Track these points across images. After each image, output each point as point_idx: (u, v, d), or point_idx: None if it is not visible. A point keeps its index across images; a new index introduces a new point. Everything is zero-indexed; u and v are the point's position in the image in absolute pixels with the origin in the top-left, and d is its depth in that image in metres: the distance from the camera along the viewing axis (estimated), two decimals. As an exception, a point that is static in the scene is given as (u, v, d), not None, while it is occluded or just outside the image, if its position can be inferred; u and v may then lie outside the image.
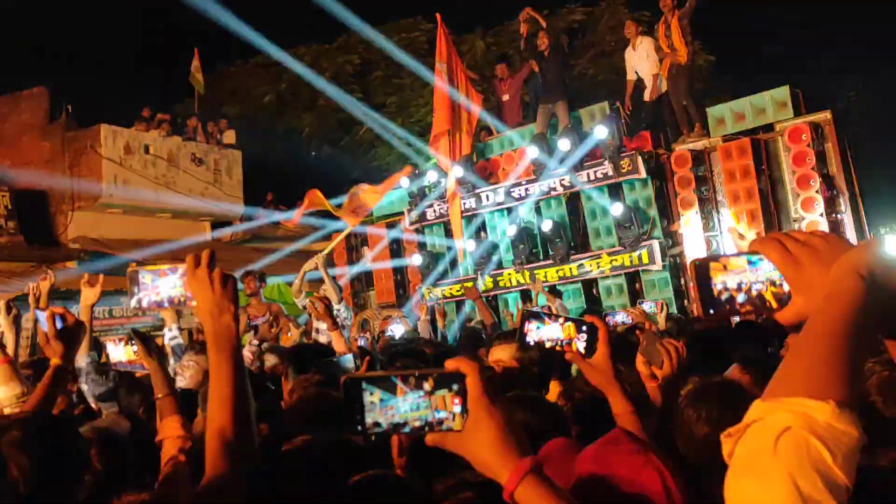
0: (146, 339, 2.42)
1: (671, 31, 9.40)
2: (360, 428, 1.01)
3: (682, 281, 9.70)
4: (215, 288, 1.54)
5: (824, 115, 8.97)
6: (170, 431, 2.29)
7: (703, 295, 1.10)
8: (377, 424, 1.01)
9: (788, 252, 1.01)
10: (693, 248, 9.47)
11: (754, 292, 1.08)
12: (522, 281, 10.64)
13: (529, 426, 1.90)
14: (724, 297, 1.09)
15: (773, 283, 1.07)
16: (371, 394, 1.01)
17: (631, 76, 10.15)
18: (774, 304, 1.07)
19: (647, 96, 10.09)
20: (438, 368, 1.03)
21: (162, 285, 1.67)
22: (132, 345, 2.62)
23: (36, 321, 3.30)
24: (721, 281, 1.09)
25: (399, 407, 1.00)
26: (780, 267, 1.02)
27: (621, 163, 9.71)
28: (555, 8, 13.05)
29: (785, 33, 11.05)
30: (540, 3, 13.08)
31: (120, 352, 2.71)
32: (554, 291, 9.07)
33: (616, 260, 9.83)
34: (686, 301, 9.60)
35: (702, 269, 1.10)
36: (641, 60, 9.93)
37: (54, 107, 14.19)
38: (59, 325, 2.43)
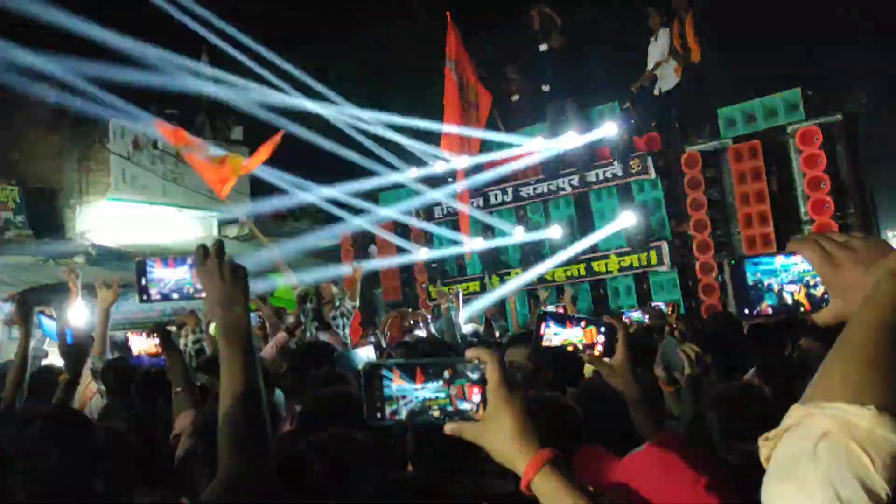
0: (167, 334, 2.44)
1: (686, 30, 9.35)
2: (379, 415, 1.01)
3: (690, 282, 9.67)
4: (225, 279, 1.50)
5: (835, 118, 8.92)
6: (186, 424, 2.30)
7: (739, 294, 1.08)
8: (396, 412, 1.01)
9: (827, 253, 0.99)
10: (702, 250, 9.45)
11: (786, 293, 1.07)
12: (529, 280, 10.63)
13: (544, 426, 1.88)
14: (757, 296, 1.08)
15: (805, 285, 1.06)
16: (391, 382, 1.01)
17: (651, 67, 10.08)
18: (807, 305, 1.06)
19: (655, 90, 10.03)
20: (458, 358, 1.03)
21: (170, 276, 1.63)
22: (154, 338, 2.63)
23: (39, 325, 3.24)
24: (754, 281, 1.08)
25: (418, 395, 1.01)
26: (819, 268, 1.00)
27: (631, 163, 9.69)
28: (566, 6, 12.99)
29: (797, 35, 11.00)
30: (549, 2, 13.04)
31: (144, 344, 2.72)
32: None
33: (624, 260, 9.82)
34: (694, 302, 9.58)
35: (738, 268, 1.08)
36: (658, 51, 9.86)
37: (64, 100, 14.20)
38: (69, 340, 2.47)
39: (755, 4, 11.20)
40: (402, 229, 12.29)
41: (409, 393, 1.01)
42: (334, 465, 2.03)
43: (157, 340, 2.70)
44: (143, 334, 2.74)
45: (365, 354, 3.43)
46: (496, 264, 10.98)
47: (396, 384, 1.01)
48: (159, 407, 2.76)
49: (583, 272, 10.15)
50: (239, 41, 10.01)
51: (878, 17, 10.50)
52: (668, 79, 9.82)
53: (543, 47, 10.25)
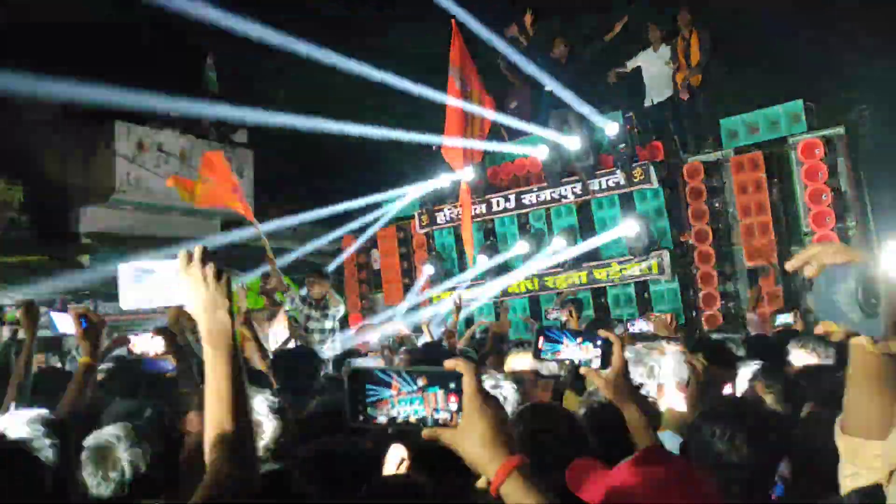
0: (173, 336, 2.47)
1: (691, 48, 9.42)
2: (361, 418, 1.07)
3: (691, 292, 9.71)
4: (209, 284, 1.51)
5: (837, 130, 8.97)
6: (193, 426, 2.34)
7: None
8: (376, 417, 1.07)
9: None
10: (704, 260, 9.49)
11: None
12: (531, 287, 10.67)
13: (549, 436, 1.92)
14: None
15: None
16: (372, 387, 1.07)
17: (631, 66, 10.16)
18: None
19: (647, 100, 10.11)
20: (437, 368, 1.09)
21: (154, 282, 1.64)
22: (161, 339, 2.66)
23: (49, 324, 3.25)
24: None
25: (393, 401, 1.06)
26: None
27: (633, 172, 9.73)
28: (569, 16, 13.03)
29: (799, 46, 11.05)
30: (553, 11, 13.07)
31: (147, 344, 2.75)
32: (574, 300, 9.12)
33: (625, 269, 9.85)
34: (694, 312, 9.61)
35: None
36: (658, 65, 9.90)
37: (70, 101, 14.26)
38: (83, 324, 2.50)
39: (758, 16, 11.24)
40: (404, 234, 12.35)
41: (388, 398, 1.06)
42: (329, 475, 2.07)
43: (162, 342, 2.73)
44: (150, 335, 2.77)
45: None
46: (498, 269, 11.01)
47: (376, 389, 1.07)
48: (166, 408, 2.80)
49: (584, 280, 10.18)
50: (244, 48, 10.06)
51: (881, 30, 10.54)
52: (660, 89, 9.88)
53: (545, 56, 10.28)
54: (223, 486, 1.43)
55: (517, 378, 2.58)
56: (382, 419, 1.06)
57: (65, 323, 2.79)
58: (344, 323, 8.76)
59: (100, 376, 4.05)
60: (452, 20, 10.52)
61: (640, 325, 5.82)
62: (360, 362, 3.65)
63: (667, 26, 9.85)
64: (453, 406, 1.06)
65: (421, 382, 1.06)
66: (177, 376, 2.61)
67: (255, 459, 1.51)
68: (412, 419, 1.06)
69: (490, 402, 1.09)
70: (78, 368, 2.48)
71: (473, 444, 1.07)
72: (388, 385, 1.06)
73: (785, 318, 6.45)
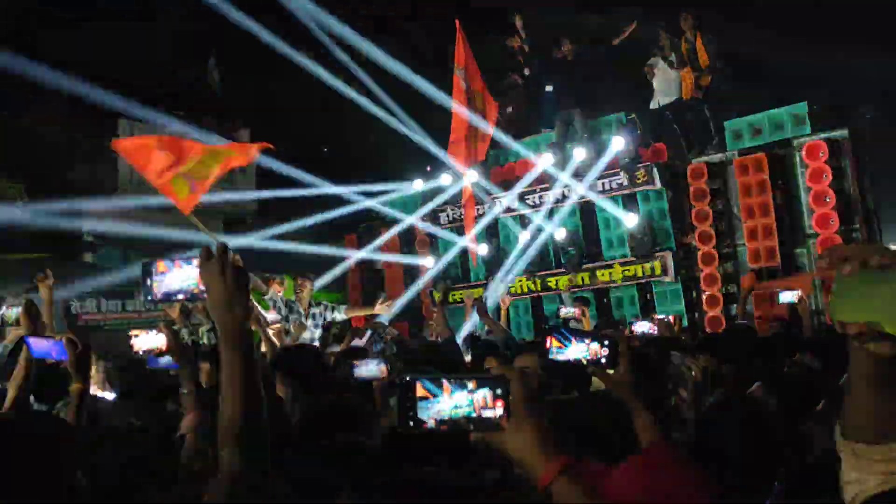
0: (176, 334, 2.46)
1: (697, 51, 9.41)
2: (411, 423, 1.12)
3: (694, 293, 9.69)
4: (227, 281, 1.52)
5: (841, 132, 8.96)
6: (193, 425, 2.33)
7: None
8: (426, 421, 1.12)
9: None
10: (707, 261, 9.47)
11: None
12: (533, 288, 10.65)
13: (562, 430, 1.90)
14: None
15: None
16: (423, 393, 1.12)
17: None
18: None
19: (653, 103, 10.11)
20: (485, 374, 1.16)
21: (175, 277, 1.67)
22: (163, 335, 2.65)
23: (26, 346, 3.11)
24: None
25: (445, 404, 1.12)
26: None
27: (637, 173, 9.72)
28: (572, 16, 13.02)
29: (802, 48, 11.03)
30: (555, 12, 13.08)
31: (150, 342, 2.72)
32: (583, 299, 9.10)
33: (628, 270, 9.84)
34: (696, 314, 9.59)
35: None
36: (667, 70, 9.89)
37: (73, 99, 14.27)
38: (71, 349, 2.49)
39: (762, 17, 11.23)
40: (406, 233, 12.32)
41: (438, 402, 1.12)
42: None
43: (164, 339, 2.71)
44: (154, 332, 2.75)
45: (368, 371, 3.41)
46: (501, 271, 10.99)
47: (426, 395, 1.12)
48: (168, 407, 2.79)
49: (587, 281, 10.17)
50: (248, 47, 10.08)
51: (886, 33, 10.52)
52: (669, 91, 9.86)
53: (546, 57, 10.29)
54: (237, 480, 1.44)
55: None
56: (431, 423, 1.11)
57: (42, 348, 2.71)
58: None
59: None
60: (456, 21, 10.52)
61: (641, 326, 5.80)
62: (361, 365, 3.63)
63: (672, 30, 9.84)
64: (500, 410, 1.11)
65: (470, 386, 1.12)
66: (178, 375, 2.59)
67: (267, 453, 1.51)
68: (461, 420, 1.11)
69: (536, 405, 1.14)
70: (72, 395, 2.47)
71: (521, 445, 1.12)
72: (439, 391, 1.11)
73: (790, 297, 6.25)
